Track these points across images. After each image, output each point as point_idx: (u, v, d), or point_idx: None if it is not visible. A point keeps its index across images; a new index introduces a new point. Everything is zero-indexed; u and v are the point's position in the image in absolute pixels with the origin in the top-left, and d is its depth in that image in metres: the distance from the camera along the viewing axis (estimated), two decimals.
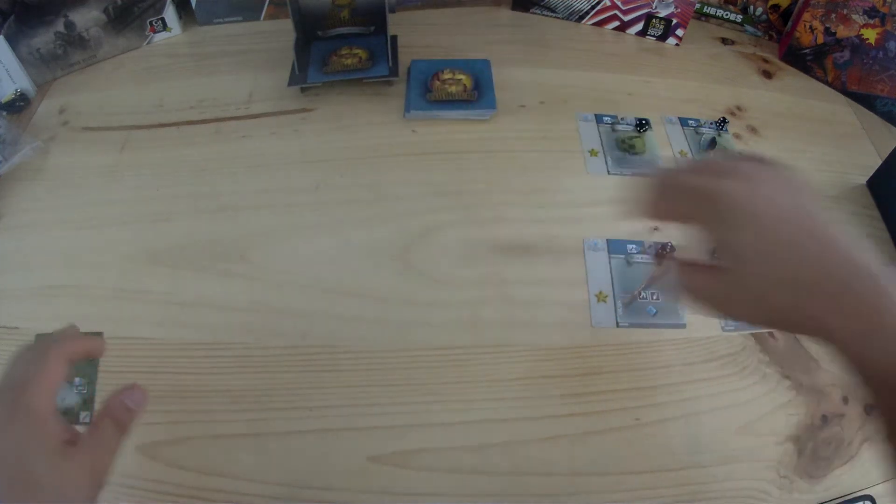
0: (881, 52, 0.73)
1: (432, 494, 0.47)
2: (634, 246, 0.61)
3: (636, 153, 0.69)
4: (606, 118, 0.72)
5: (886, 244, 0.63)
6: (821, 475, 0.50)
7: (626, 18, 0.83)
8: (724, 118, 0.73)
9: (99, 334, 0.54)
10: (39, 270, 0.58)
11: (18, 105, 0.71)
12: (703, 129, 0.72)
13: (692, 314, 0.57)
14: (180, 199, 0.63)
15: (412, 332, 0.55)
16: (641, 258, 0.60)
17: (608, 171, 0.67)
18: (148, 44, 0.80)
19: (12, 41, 0.69)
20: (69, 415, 0.50)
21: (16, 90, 0.71)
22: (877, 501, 0.49)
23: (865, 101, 0.78)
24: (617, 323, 0.56)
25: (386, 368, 0.53)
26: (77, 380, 0.51)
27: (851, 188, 0.68)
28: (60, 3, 0.70)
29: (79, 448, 0.36)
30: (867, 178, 0.68)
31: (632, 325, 0.56)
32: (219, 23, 0.82)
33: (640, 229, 0.62)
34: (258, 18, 0.83)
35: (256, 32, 0.82)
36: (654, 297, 0.58)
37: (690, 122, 0.73)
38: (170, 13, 0.79)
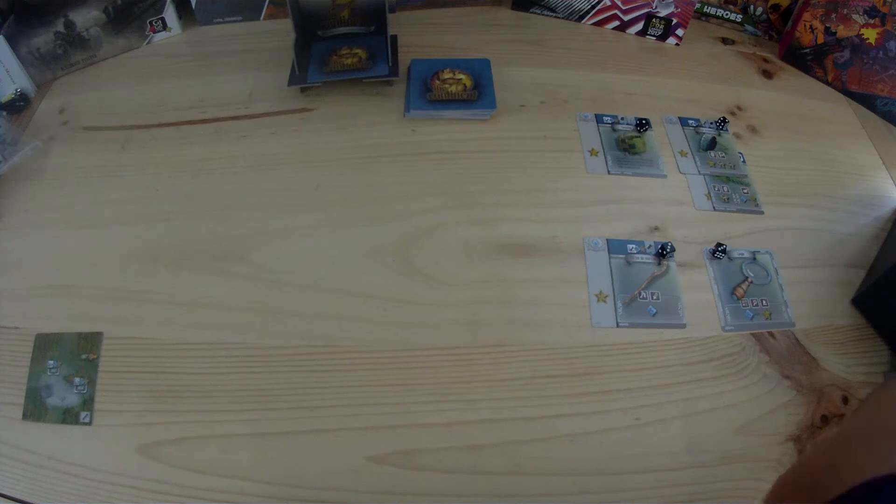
0: (881, 52, 0.73)
1: (432, 494, 0.47)
2: (634, 246, 0.61)
3: (636, 153, 0.69)
4: (606, 118, 0.72)
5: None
6: None
7: (626, 18, 0.83)
8: (724, 118, 0.73)
9: (99, 334, 0.54)
10: (39, 270, 0.58)
11: (18, 105, 0.71)
12: (703, 129, 0.72)
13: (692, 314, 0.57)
14: (180, 199, 0.63)
15: (412, 332, 0.55)
16: (641, 258, 0.60)
17: (608, 171, 0.67)
18: (148, 44, 0.80)
19: (12, 41, 0.69)
20: (69, 415, 0.50)
21: (16, 90, 0.71)
22: None
23: (865, 100, 0.78)
24: (617, 323, 0.56)
25: (386, 368, 0.53)
26: (77, 380, 0.52)
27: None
28: (60, 3, 0.70)
29: None
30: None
31: (632, 325, 0.56)
32: (219, 22, 0.82)
33: (640, 229, 0.62)
34: (258, 18, 0.83)
35: (256, 32, 0.82)
36: (654, 297, 0.58)
37: (690, 121, 0.73)
38: (170, 13, 0.79)
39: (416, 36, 0.81)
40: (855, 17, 0.73)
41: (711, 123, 0.73)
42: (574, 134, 0.71)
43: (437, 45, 0.80)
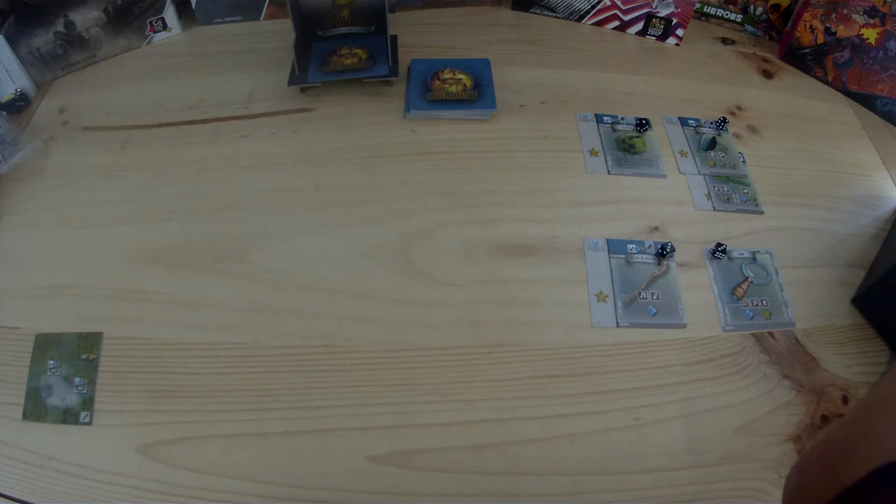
0: (881, 52, 0.73)
1: (432, 494, 0.47)
2: (634, 246, 0.61)
3: (636, 153, 0.69)
4: (606, 118, 0.72)
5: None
6: None
7: (626, 18, 0.83)
8: (724, 118, 0.73)
9: (99, 334, 0.54)
10: (39, 270, 0.58)
11: (18, 105, 0.71)
12: (703, 129, 0.72)
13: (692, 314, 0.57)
14: (180, 199, 0.63)
15: (412, 332, 0.55)
16: (641, 258, 0.60)
17: (608, 171, 0.67)
18: (148, 44, 0.80)
19: (12, 41, 0.69)
20: (69, 415, 0.50)
21: (16, 90, 0.71)
22: None
23: (865, 100, 0.78)
24: (617, 323, 0.56)
25: (386, 368, 0.53)
26: (77, 380, 0.52)
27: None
28: (60, 3, 0.70)
29: None
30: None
31: (632, 325, 0.56)
32: (219, 23, 0.82)
33: (640, 229, 0.62)
34: (258, 18, 0.83)
35: (256, 32, 0.82)
36: (654, 297, 0.58)
37: (690, 121, 0.73)
38: (170, 13, 0.79)
39: (416, 36, 0.81)
40: (855, 17, 0.73)
41: (711, 123, 0.73)
42: (574, 134, 0.71)
43: (437, 45, 0.80)
